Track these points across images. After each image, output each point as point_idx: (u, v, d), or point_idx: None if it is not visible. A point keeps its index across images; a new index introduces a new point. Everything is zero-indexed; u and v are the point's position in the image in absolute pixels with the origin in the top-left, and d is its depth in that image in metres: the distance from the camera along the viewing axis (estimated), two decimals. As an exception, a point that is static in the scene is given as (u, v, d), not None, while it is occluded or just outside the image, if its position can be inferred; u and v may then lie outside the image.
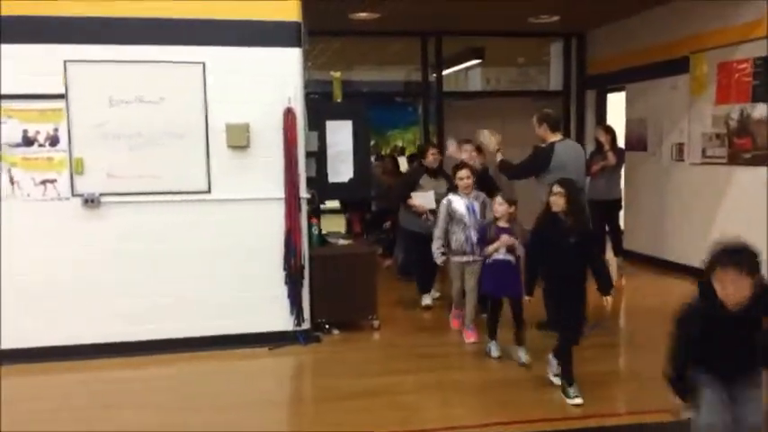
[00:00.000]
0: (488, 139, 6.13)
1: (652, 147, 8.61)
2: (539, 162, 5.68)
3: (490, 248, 4.99)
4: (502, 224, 5.02)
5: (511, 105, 10.23)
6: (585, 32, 10.15)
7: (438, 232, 5.60)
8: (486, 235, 5.08)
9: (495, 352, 5.17)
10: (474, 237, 5.38)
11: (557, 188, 4.39)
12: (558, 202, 4.35)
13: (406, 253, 7.42)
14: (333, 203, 8.93)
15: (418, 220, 6.46)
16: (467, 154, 6.40)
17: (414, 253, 6.77)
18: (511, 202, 5.13)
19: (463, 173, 5.54)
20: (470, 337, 5.58)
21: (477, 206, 5.49)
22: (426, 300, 6.74)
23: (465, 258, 5.50)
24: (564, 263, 4.26)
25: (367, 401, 4.39)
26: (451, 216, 5.50)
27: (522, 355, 4.97)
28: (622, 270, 7.63)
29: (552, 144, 5.70)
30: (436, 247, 5.59)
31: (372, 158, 10.66)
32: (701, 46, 7.55)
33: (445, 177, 6.42)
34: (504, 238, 4.96)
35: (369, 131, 6.62)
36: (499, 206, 5.00)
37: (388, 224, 8.69)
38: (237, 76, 5.44)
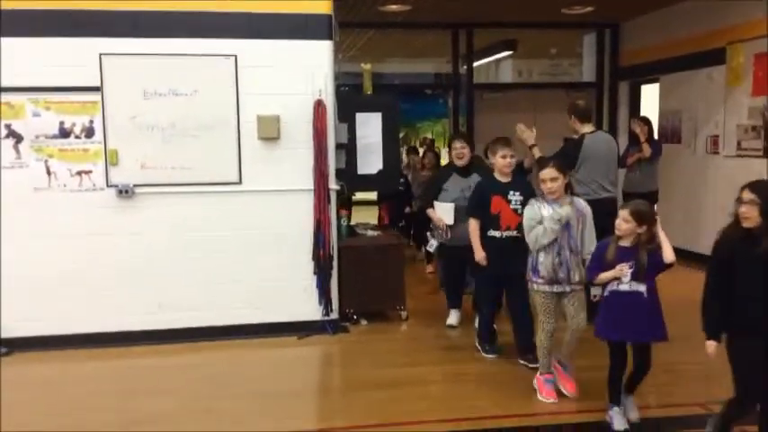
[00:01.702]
0: (525, 133, 5.83)
1: (686, 139, 8.47)
2: (567, 155, 5.63)
3: (602, 276, 3.74)
4: (624, 244, 3.73)
5: (542, 97, 10.16)
6: (619, 23, 10.01)
7: (527, 233, 4.30)
8: (602, 258, 3.76)
9: (619, 424, 3.81)
10: (570, 259, 4.15)
11: (747, 194, 3.20)
12: (750, 215, 3.15)
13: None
14: (366, 195, 8.99)
15: (439, 230, 5.68)
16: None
17: (443, 265, 6.17)
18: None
19: (546, 173, 4.17)
20: (555, 394, 4.25)
21: (572, 217, 4.19)
22: (453, 318, 5.91)
23: (559, 288, 4.20)
24: (758, 298, 3.14)
25: (393, 392, 4.43)
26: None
27: (632, 411, 3.89)
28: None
29: (582, 136, 5.64)
30: (540, 233, 4.23)
31: (421, 150, 10.52)
32: (738, 37, 7.40)
33: (479, 171, 5.55)
34: (622, 267, 3.67)
35: (398, 124, 6.62)
36: (624, 223, 3.68)
37: (408, 210, 8.66)
38: (269, 69, 5.49)
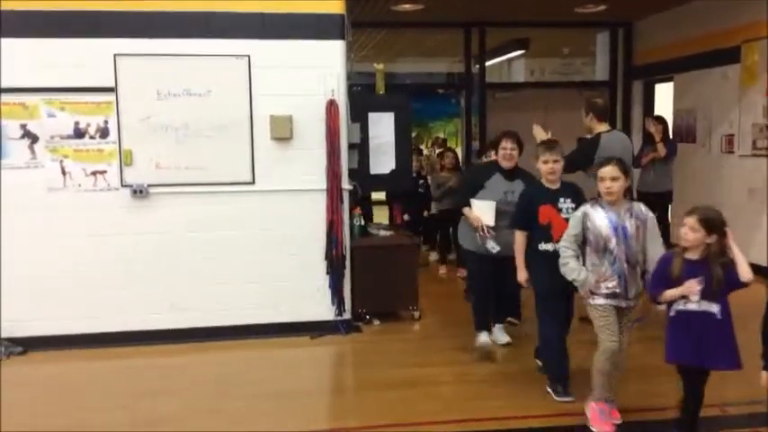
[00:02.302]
0: (541, 134, 5.59)
1: (701, 138, 8.42)
2: (584, 155, 5.57)
3: (668, 294, 3.37)
4: (691, 256, 3.36)
5: (555, 96, 10.13)
6: (633, 22, 9.95)
7: (564, 248, 3.88)
8: (667, 273, 3.39)
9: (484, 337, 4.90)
10: (627, 273, 3.71)
11: None
12: None
13: (468, 274, 5.92)
14: (377, 195, 8.97)
15: (472, 235, 5.09)
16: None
17: (472, 277, 5.49)
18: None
19: (607, 171, 3.70)
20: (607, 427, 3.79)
21: (630, 225, 3.72)
22: (483, 338, 5.15)
23: (619, 302, 3.78)
24: None
25: (405, 392, 4.43)
26: (588, 238, 3.79)
27: None
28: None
29: (598, 135, 5.59)
30: (572, 269, 3.83)
31: (426, 150, 10.28)
32: (753, 35, 7.34)
33: (524, 179, 4.96)
34: (691, 284, 3.32)
35: (411, 124, 6.61)
36: (691, 232, 3.31)
37: (407, 217, 8.39)
38: (282, 69, 5.50)
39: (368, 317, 5.91)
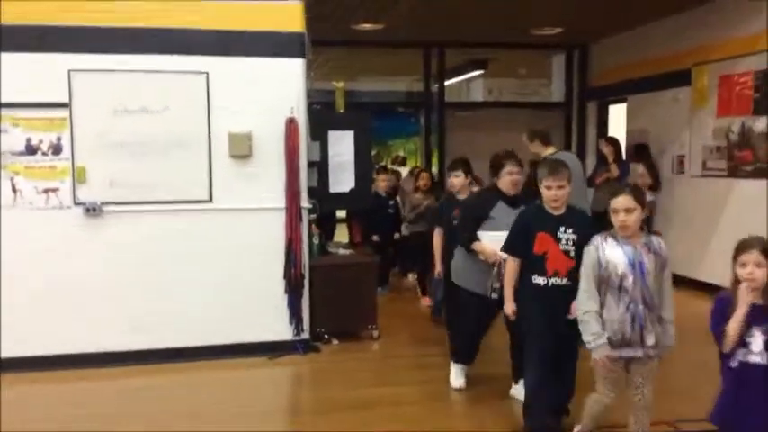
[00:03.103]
0: None
1: (653, 159, 8.62)
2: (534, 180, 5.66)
3: (731, 331, 2.92)
4: (755, 300, 2.92)
5: (512, 117, 10.26)
6: (588, 44, 10.19)
7: (585, 298, 3.40)
8: (726, 315, 2.96)
9: None
10: (644, 315, 3.30)
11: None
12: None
13: (452, 312, 5.33)
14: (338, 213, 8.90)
15: (479, 275, 4.41)
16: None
17: (465, 321, 4.74)
18: None
19: (620, 202, 3.30)
20: None
21: (648, 261, 3.31)
22: (459, 378, 4.83)
23: (628, 352, 3.35)
24: None
25: (365, 413, 4.39)
26: (600, 274, 3.36)
27: None
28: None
29: (545, 159, 5.71)
30: (591, 332, 3.35)
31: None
32: (703, 58, 7.58)
33: (527, 205, 4.21)
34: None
35: (370, 142, 6.64)
36: (757, 269, 2.90)
37: (376, 238, 7.81)
38: (240, 86, 5.47)
39: (326, 336, 5.86)
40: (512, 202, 4.36)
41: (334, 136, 6.10)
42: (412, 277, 8.23)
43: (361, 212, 8.37)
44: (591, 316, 3.34)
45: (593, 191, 7.87)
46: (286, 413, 4.71)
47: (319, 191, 5.94)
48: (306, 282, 5.67)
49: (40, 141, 5.22)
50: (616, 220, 3.32)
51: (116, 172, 5.32)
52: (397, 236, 8.07)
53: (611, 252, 3.34)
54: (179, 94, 5.38)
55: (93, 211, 5.28)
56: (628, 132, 9.19)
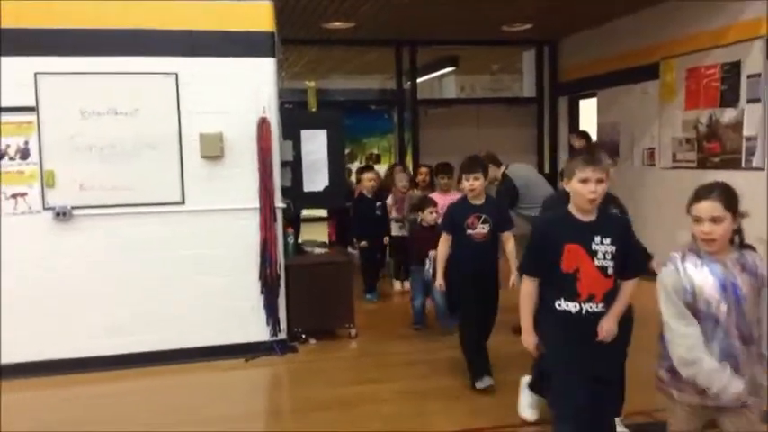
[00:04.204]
0: None
1: (624, 152, 8.72)
2: (509, 194, 5.79)
3: None
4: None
5: (485, 112, 10.34)
6: (558, 40, 10.26)
7: (700, 351, 2.52)
8: None
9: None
10: (740, 352, 2.54)
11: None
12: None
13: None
14: (317, 212, 8.83)
15: None
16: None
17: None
18: None
19: (704, 208, 2.58)
20: None
21: (742, 283, 2.56)
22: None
23: (719, 400, 2.54)
24: None
25: (344, 411, 4.39)
26: (686, 302, 2.56)
27: None
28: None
29: (504, 175, 5.93)
30: (723, 385, 2.49)
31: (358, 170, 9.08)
32: (671, 52, 7.68)
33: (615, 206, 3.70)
34: None
35: (344, 140, 6.63)
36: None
37: (364, 243, 7.38)
38: (211, 87, 5.42)
39: (304, 336, 5.84)
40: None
41: (306, 135, 6.08)
42: (401, 285, 7.68)
43: (338, 212, 8.36)
44: (703, 356, 2.49)
45: (566, 185, 7.99)
46: (265, 414, 4.70)
47: (293, 190, 5.92)
48: (282, 282, 5.65)
49: (7, 146, 5.13)
50: (699, 231, 2.56)
51: (86, 175, 5.25)
52: (386, 239, 7.54)
53: (695, 273, 2.55)
54: (148, 96, 5.32)
55: (63, 215, 5.21)
56: (599, 126, 9.28)
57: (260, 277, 5.55)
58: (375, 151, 13.23)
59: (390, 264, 8.01)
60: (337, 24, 8.34)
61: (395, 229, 7.53)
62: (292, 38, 8.37)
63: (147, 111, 5.32)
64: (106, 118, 5.25)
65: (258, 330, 5.58)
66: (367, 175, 7.57)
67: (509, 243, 4.68)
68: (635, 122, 8.48)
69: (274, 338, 5.60)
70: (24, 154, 5.17)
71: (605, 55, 8.93)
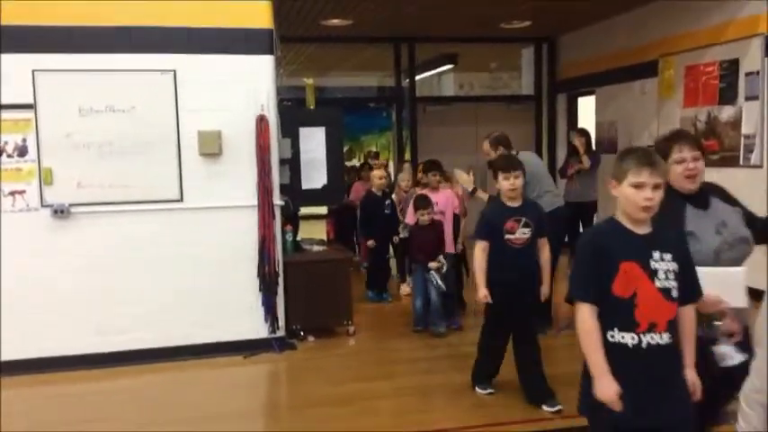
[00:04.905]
0: (463, 178, 5.71)
1: (622, 149, 8.71)
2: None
3: None
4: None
5: (484, 110, 10.34)
6: (556, 37, 10.26)
7: None
8: None
9: None
10: None
11: None
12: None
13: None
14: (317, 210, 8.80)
15: None
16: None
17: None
18: None
19: None
20: None
21: None
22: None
23: None
24: None
25: (342, 408, 4.38)
26: None
27: None
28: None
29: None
30: None
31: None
32: (670, 50, 7.67)
33: (718, 196, 2.91)
34: None
35: (342, 138, 6.62)
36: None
37: (371, 243, 7.23)
38: (209, 84, 5.41)
39: (302, 333, 5.84)
40: (700, 201, 2.79)
41: (305, 132, 6.08)
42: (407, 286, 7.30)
43: (337, 210, 8.34)
44: None
45: (566, 183, 8.00)
46: (263, 411, 4.69)
47: (292, 188, 5.91)
48: (280, 279, 5.64)
49: (5, 143, 5.12)
50: None
51: (84, 173, 5.24)
52: (396, 239, 7.33)
53: None
54: (146, 93, 5.31)
55: (61, 212, 5.20)
56: (597, 124, 9.28)
57: (258, 275, 5.54)
58: (374, 149, 13.24)
59: (395, 264, 7.91)
60: (336, 21, 8.33)
61: (402, 231, 7.18)
62: (291, 35, 8.36)
63: (145, 108, 5.31)
64: (104, 115, 5.24)
65: (257, 328, 5.58)
66: (377, 173, 7.52)
67: (545, 250, 4.33)
68: (633, 120, 8.48)
69: (273, 336, 5.60)
70: (22, 151, 5.16)
71: (604, 52, 8.93)
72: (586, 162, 7.81)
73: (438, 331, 5.81)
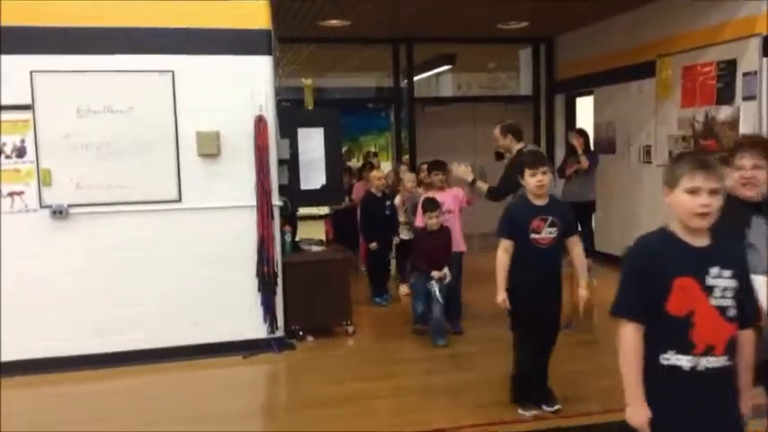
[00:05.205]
0: (461, 170, 5.76)
1: (620, 149, 8.73)
2: (516, 173, 5.71)
3: None
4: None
5: (482, 110, 10.34)
6: (554, 38, 10.27)
7: None
8: None
9: None
10: None
11: None
12: None
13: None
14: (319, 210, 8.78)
15: None
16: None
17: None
18: None
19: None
20: None
21: None
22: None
23: None
24: None
25: (342, 408, 4.39)
26: None
27: None
28: (593, 271, 7.73)
29: (519, 152, 5.80)
30: None
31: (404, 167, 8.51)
32: (667, 50, 7.68)
33: None
34: None
35: (341, 138, 6.62)
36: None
37: (374, 245, 7.13)
38: (207, 85, 5.42)
39: (301, 333, 5.84)
40: (757, 208, 2.72)
41: (303, 133, 6.08)
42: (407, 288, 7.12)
43: (342, 211, 8.33)
44: None
45: (564, 182, 8.01)
46: (262, 411, 4.70)
47: (290, 188, 5.91)
48: (279, 279, 5.65)
49: (4, 144, 5.12)
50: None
51: (82, 173, 5.24)
52: (396, 240, 7.31)
53: None
54: (144, 94, 5.32)
55: (59, 213, 5.20)
56: (595, 124, 9.29)
57: (257, 275, 5.54)
58: (372, 149, 13.26)
59: (395, 265, 7.81)
60: (334, 22, 8.33)
61: (403, 232, 7.23)
62: (289, 36, 8.37)
63: (144, 109, 5.32)
64: (102, 116, 5.25)
65: (256, 328, 5.58)
66: (376, 174, 7.50)
67: (576, 249, 4.14)
68: (631, 120, 8.49)
69: (272, 336, 5.60)
70: (21, 152, 5.16)
71: (602, 53, 8.94)
72: (584, 162, 7.82)
73: (438, 344, 5.58)
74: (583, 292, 4.12)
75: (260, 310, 5.58)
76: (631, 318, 2.25)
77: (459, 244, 5.98)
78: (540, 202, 4.04)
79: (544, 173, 3.99)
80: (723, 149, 6.89)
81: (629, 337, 2.25)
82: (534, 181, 3.99)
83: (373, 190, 7.33)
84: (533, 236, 3.98)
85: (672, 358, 2.21)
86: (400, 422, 4.15)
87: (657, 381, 2.24)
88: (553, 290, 4.10)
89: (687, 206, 2.19)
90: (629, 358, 2.25)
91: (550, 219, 3.99)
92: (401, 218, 7.19)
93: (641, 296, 2.23)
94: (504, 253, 4.04)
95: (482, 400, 4.42)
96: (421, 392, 4.67)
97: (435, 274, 5.59)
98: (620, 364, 2.28)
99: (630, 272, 2.30)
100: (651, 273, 2.22)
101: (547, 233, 3.98)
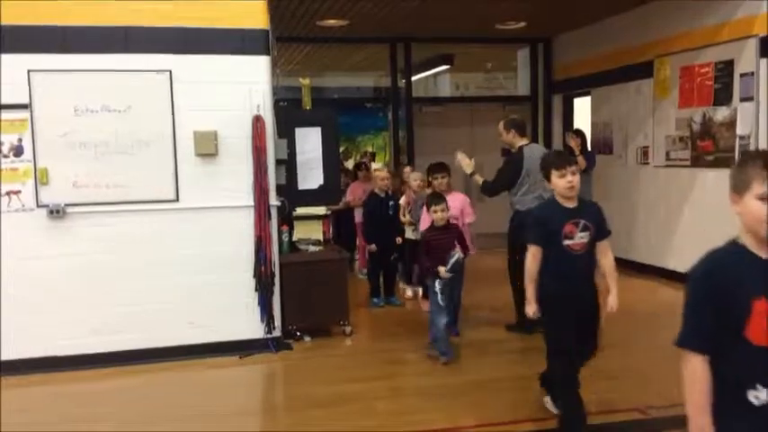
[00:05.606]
0: (464, 162, 5.79)
1: (618, 150, 8.74)
2: (514, 168, 5.73)
3: None
4: None
5: (480, 111, 10.35)
6: (551, 38, 10.28)
7: None
8: None
9: None
10: None
11: None
12: None
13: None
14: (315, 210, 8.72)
15: None
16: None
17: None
18: None
19: None
20: None
21: None
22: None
23: None
24: None
25: (339, 409, 4.38)
26: None
27: None
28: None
29: (521, 148, 5.78)
30: None
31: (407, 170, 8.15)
32: (665, 50, 7.70)
33: None
34: None
35: (338, 138, 6.61)
36: None
37: (373, 247, 7.06)
38: (205, 84, 5.41)
39: (298, 333, 5.84)
40: None
41: (301, 133, 6.07)
42: (411, 291, 7.36)
43: (338, 212, 8.30)
44: None
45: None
46: (259, 412, 4.69)
47: (288, 188, 5.91)
48: (276, 279, 5.64)
49: (1, 143, 5.11)
50: None
51: (79, 173, 5.23)
52: (399, 240, 7.10)
53: None
54: (142, 93, 5.31)
55: (56, 212, 5.19)
56: (593, 124, 9.30)
57: (254, 275, 5.54)
58: (370, 149, 13.24)
59: (401, 267, 7.57)
60: (332, 22, 8.33)
61: (408, 232, 7.00)
62: (287, 35, 8.36)
63: (141, 108, 5.31)
64: (100, 115, 5.24)
65: (253, 328, 5.58)
66: (379, 174, 7.40)
67: (607, 255, 3.83)
68: (629, 120, 8.50)
69: (269, 336, 5.60)
70: (18, 151, 5.15)
71: (599, 53, 8.95)
72: (582, 162, 7.81)
73: (445, 360, 5.15)
74: (613, 301, 3.78)
75: (257, 310, 5.58)
76: (698, 351, 1.93)
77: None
78: (571, 205, 3.71)
79: (573, 172, 3.65)
80: (720, 150, 6.91)
81: (700, 373, 1.92)
82: (564, 182, 3.64)
83: (376, 190, 7.27)
84: (566, 242, 3.64)
85: (762, 395, 1.87)
86: (398, 422, 4.14)
87: (740, 422, 1.92)
88: (588, 300, 3.79)
89: (759, 215, 1.86)
90: (699, 396, 1.92)
91: (582, 222, 3.66)
92: (403, 218, 7.09)
93: (711, 325, 1.91)
94: (533, 259, 3.72)
95: (482, 400, 4.42)
96: (420, 393, 4.67)
97: (442, 269, 5.10)
98: (686, 401, 1.94)
99: (697, 297, 1.96)
100: (723, 296, 1.89)
101: (579, 238, 3.66)
